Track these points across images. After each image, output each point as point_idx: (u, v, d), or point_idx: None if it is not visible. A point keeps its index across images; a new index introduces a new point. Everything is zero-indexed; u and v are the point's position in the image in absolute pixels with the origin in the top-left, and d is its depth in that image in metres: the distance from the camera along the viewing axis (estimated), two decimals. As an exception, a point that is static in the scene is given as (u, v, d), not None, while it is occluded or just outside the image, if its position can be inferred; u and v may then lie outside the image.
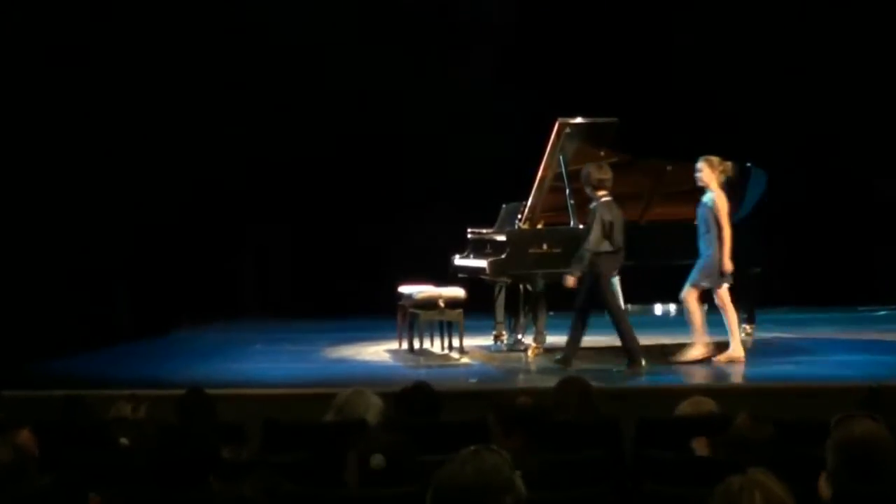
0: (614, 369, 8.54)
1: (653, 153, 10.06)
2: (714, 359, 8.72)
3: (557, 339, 9.71)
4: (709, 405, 5.13)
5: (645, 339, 10.24)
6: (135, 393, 5.85)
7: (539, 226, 9.57)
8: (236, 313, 12.64)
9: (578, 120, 9.40)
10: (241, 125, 12.85)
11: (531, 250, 9.14)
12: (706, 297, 8.92)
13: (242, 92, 12.85)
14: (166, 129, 12.42)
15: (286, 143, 13.05)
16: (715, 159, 8.78)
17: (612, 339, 9.99)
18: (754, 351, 9.83)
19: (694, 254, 9.60)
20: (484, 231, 9.92)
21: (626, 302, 9.74)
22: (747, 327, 10.23)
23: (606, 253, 8.50)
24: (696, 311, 8.77)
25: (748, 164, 10.24)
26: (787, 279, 12.03)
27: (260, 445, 5.15)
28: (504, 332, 10.00)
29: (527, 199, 9.60)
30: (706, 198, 8.72)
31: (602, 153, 9.52)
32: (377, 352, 9.97)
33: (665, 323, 12.12)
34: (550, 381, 6.18)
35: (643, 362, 8.50)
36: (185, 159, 12.66)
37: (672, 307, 13.24)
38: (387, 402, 5.26)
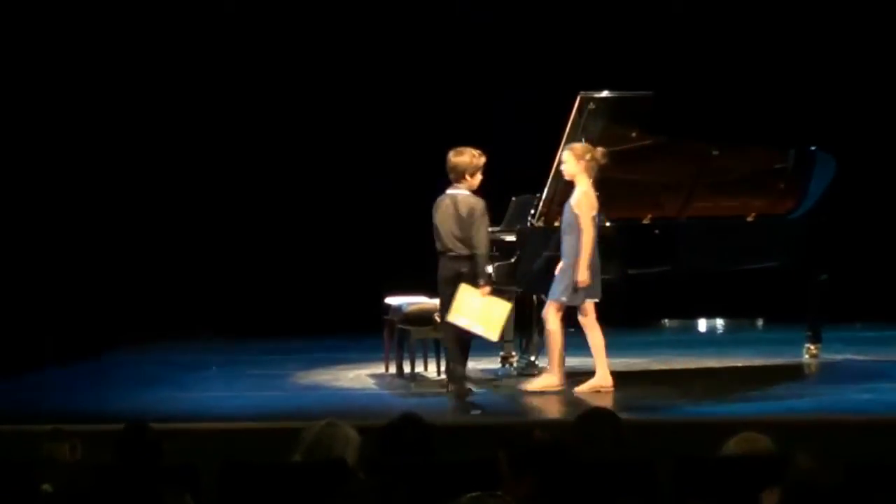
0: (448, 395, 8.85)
1: (696, 134, 10.06)
2: (576, 389, 8.84)
3: (579, 361, 9.72)
4: (763, 443, 5.12)
5: (689, 362, 10.28)
6: (60, 428, 5.84)
7: (556, 223, 9.58)
8: (186, 331, 12.62)
9: (604, 94, 9.40)
10: (193, 117, 12.95)
11: (547, 253, 9.14)
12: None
13: (187, 81, 12.97)
14: (102, 124, 12.59)
15: (249, 133, 13.09)
16: (580, 147, 8.89)
17: (647, 363, 10.03)
18: (820, 376, 9.84)
19: (748, 258, 9.63)
20: (489, 229, 9.93)
21: (663, 317, 9.77)
22: (811, 347, 10.24)
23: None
24: (556, 331, 8.85)
25: (812, 148, 10.25)
26: (859, 289, 12.02)
27: (216, 492, 5.16)
28: (513, 353, 9.99)
29: (541, 191, 9.60)
30: (576, 194, 8.83)
31: (633, 134, 9.52)
32: (358, 376, 9.97)
33: (711, 342, 12.14)
34: (571, 412, 6.18)
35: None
36: (128, 153, 12.74)
37: (719, 322, 13.26)
38: (368, 437, 5.26)
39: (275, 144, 13.15)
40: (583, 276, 8.71)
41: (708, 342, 12.04)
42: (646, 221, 9.77)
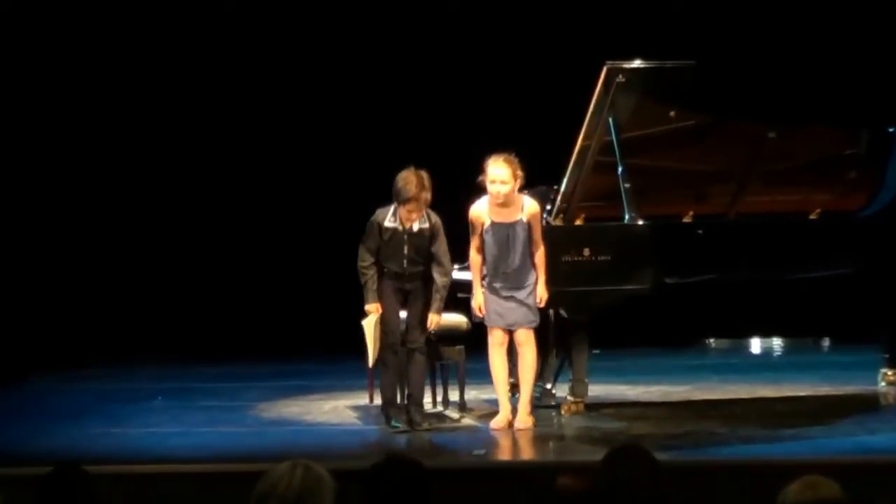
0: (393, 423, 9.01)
1: (748, 113, 10.07)
2: (512, 426, 8.99)
3: (604, 389, 9.73)
4: (830, 489, 5.12)
5: (740, 390, 10.28)
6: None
7: (578, 221, 9.60)
8: (124, 354, 12.64)
9: (636, 63, 9.41)
10: (153, 124, 13.21)
11: (566, 258, 9.15)
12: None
13: (134, 73, 13.20)
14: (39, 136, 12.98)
15: (213, 137, 13.26)
16: (513, 159, 8.98)
17: (689, 391, 10.03)
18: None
19: (811, 264, 9.64)
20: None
21: (708, 336, 9.79)
22: (889, 372, 10.25)
23: None
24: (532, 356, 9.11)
25: (891, 130, 10.26)
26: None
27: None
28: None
29: (559, 183, 9.62)
30: (529, 206, 9.03)
31: (672, 113, 9.52)
32: (337, 408, 9.98)
33: (766, 366, 12.16)
34: (596, 452, 6.17)
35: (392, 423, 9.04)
36: (65, 162, 13.02)
37: (776, 343, 13.28)
38: (348, 483, 5.27)
39: (242, 148, 13.29)
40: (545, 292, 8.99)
41: (762, 366, 12.04)
42: (687, 219, 9.77)
